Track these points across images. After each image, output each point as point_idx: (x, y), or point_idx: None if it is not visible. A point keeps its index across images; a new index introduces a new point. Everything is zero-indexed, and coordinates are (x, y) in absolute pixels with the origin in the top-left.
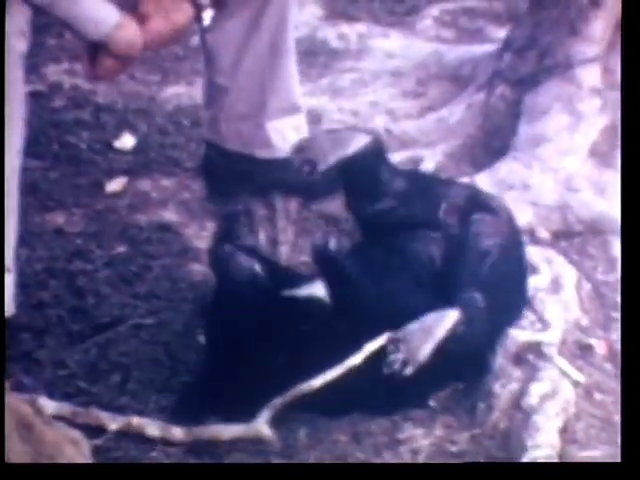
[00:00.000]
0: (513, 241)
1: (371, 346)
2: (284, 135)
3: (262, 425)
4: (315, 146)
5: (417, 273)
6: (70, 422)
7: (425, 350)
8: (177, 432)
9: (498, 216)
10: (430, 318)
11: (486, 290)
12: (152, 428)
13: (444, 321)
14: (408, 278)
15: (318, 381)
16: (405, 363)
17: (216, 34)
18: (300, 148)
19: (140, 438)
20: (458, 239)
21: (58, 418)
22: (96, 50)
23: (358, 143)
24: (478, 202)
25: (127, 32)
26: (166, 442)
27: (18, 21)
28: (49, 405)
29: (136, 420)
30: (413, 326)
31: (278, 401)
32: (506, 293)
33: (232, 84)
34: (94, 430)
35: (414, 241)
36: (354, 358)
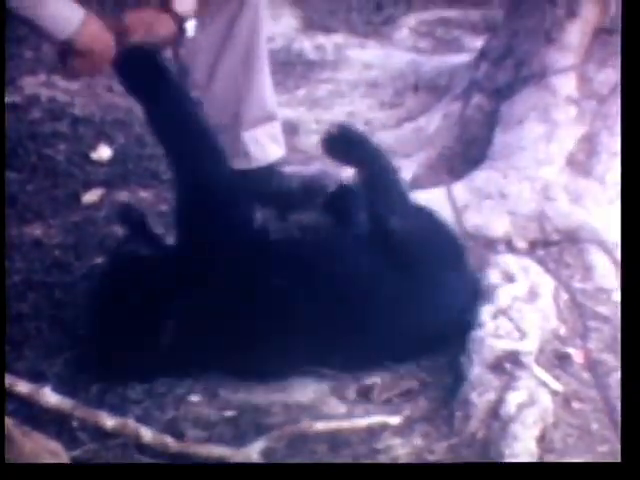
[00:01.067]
0: None
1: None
2: (261, 144)
3: (253, 453)
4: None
5: None
6: (68, 416)
7: None
8: (169, 441)
9: None
10: None
11: None
12: (146, 433)
13: None
14: None
15: (320, 425)
16: None
17: (189, 48)
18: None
19: (118, 448)
20: None
21: (57, 411)
22: (67, 51)
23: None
24: None
25: (92, 28)
26: (153, 450)
27: None
28: (51, 398)
29: (132, 422)
30: None
31: (276, 434)
32: None
33: (207, 96)
34: (72, 441)
35: None
36: (362, 420)
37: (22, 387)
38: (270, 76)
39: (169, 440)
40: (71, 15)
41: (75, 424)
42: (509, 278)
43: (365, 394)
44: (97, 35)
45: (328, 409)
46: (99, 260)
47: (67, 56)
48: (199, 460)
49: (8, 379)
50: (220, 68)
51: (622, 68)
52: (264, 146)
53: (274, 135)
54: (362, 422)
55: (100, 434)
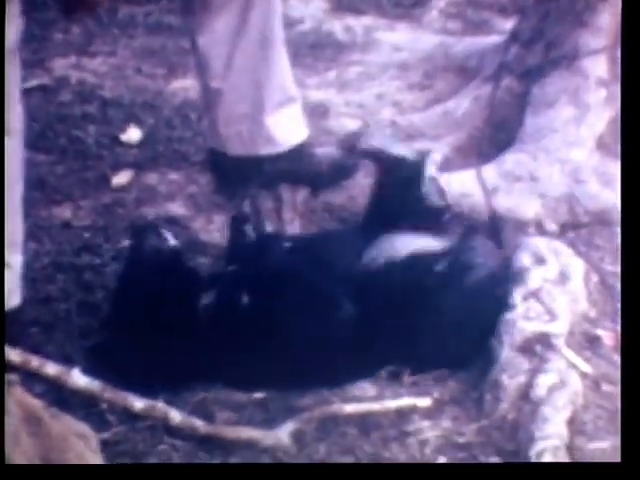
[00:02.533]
0: None
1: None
2: (284, 127)
3: (283, 435)
4: None
5: None
6: (97, 399)
7: None
8: (198, 424)
9: None
10: None
11: None
12: (175, 415)
13: None
14: None
15: (350, 407)
16: None
17: (206, 36)
18: None
19: (147, 431)
20: None
21: (86, 394)
22: None
23: None
24: None
25: None
26: (182, 433)
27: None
28: (80, 379)
29: (161, 405)
30: None
31: (306, 416)
32: None
33: (226, 86)
34: (101, 423)
35: None
36: (392, 402)
37: (51, 369)
38: (288, 59)
39: (198, 423)
40: None
41: (104, 406)
42: (540, 260)
43: (396, 376)
44: None
45: (358, 391)
46: (128, 242)
47: None
48: (228, 443)
49: (36, 361)
50: (238, 56)
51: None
52: (288, 129)
53: (296, 117)
54: (392, 404)
55: (129, 416)
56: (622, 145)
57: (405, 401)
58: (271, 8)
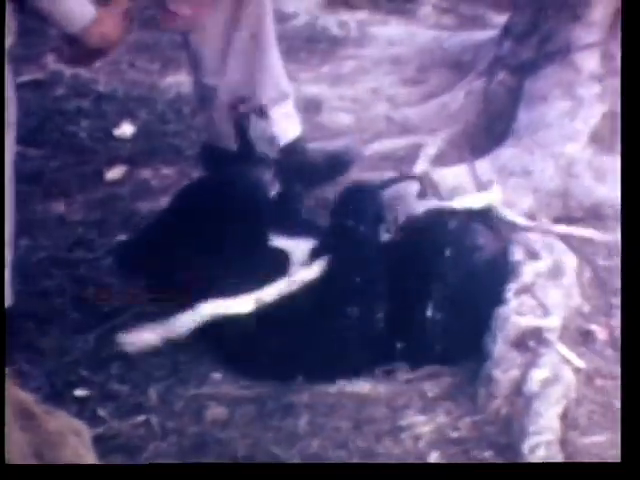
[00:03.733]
0: None
1: None
2: (279, 124)
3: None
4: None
5: None
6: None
7: None
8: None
9: None
10: None
11: None
12: None
13: None
14: None
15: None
16: None
17: (198, 34)
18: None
19: (141, 427)
20: None
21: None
22: (73, 39)
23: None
24: None
25: (104, 27)
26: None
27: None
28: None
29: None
30: None
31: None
32: None
33: (220, 82)
34: (94, 419)
35: None
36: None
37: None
38: (280, 55)
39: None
40: (82, 11)
41: (97, 402)
42: (533, 255)
43: (390, 374)
44: (107, 33)
45: (352, 387)
46: (122, 237)
47: (73, 44)
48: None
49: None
50: (231, 53)
51: (622, 55)
52: (282, 126)
53: (290, 114)
54: None
55: (122, 412)
56: (622, 141)
57: None
58: (263, 6)
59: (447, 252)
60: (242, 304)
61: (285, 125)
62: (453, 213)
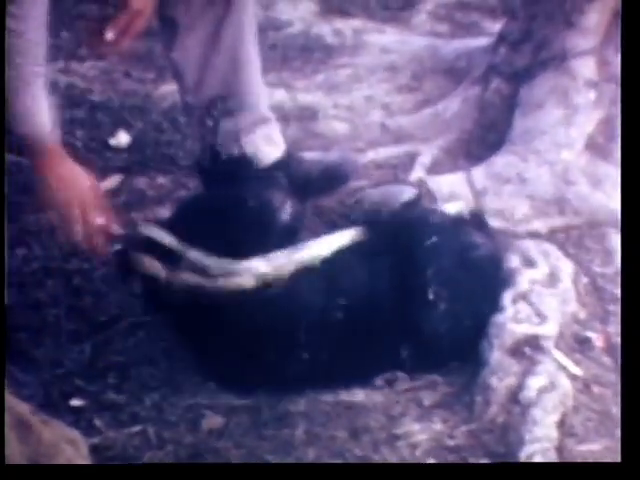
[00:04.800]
0: None
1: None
2: (258, 148)
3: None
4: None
5: None
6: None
7: None
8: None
9: None
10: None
11: None
12: None
13: None
14: None
15: None
16: None
17: (179, 52)
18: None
19: (136, 436)
20: None
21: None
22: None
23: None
24: None
25: None
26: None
27: None
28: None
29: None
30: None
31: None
32: None
33: (197, 102)
34: (90, 429)
35: None
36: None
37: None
38: (261, 78)
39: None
40: None
41: (93, 412)
42: (529, 262)
43: (389, 383)
44: None
45: (348, 396)
46: (118, 247)
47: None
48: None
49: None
50: (210, 72)
51: (622, 61)
52: (262, 149)
53: (271, 136)
54: None
55: (118, 422)
56: (622, 148)
57: None
58: (245, 28)
59: (443, 259)
60: None
61: (266, 148)
62: (450, 221)
